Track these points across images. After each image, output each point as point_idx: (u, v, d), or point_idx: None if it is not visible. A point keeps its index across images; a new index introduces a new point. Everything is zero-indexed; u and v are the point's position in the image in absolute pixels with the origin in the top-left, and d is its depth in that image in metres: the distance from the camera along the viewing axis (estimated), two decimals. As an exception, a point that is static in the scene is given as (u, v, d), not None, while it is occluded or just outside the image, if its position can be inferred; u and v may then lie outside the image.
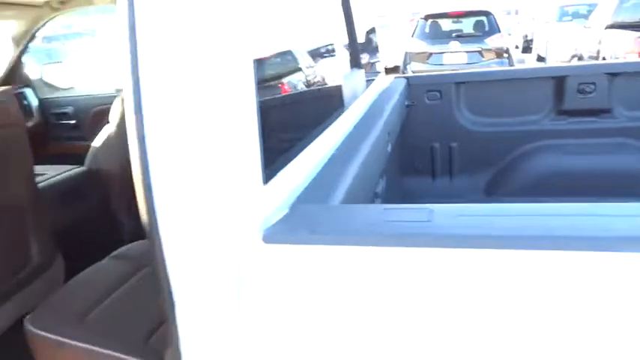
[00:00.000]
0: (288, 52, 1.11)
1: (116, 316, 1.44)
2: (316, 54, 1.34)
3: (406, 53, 7.92)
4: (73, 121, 3.13)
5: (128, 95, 0.82)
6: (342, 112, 1.41)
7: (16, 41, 2.72)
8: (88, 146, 3.01)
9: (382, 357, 0.72)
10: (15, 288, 1.69)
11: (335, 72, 1.45)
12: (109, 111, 3.05)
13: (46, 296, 1.84)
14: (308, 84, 1.22)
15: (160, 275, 0.88)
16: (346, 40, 1.68)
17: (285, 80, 1.07)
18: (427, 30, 7.97)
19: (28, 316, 1.44)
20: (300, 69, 1.17)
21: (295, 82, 1.14)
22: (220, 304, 0.80)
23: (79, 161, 2.41)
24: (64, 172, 2.17)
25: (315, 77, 1.30)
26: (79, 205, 2.11)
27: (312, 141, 1.09)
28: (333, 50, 1.47)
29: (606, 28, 7.31)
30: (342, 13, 1.67)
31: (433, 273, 0.66)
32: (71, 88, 3.20)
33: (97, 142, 2.29)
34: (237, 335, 0.80)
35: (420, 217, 0.71)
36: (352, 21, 1.73)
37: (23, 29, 2.68)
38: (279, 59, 1.04)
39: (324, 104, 1.33)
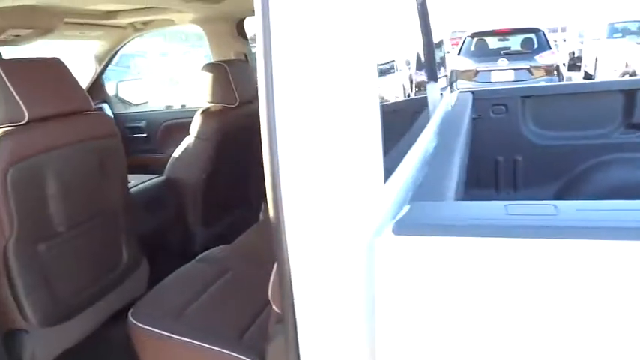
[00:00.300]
0: (394, 61, 1.19)
1: (210, 313, 1.53)
2: (409, 64, 1.42)
3: (452, 71, 7.92)
4: (145, 135, 3.32)
5: (262, 97, 0.91)
6: (429, 120, 1.47)
7: (99, 60, 2.93)
8: (158, 158, 3.18)
9: (517, 347, 0.76)
10: (109, 286, 1.81)
11: (422, 82, 1.53)
12: (178, 125, 3.23)
13: (133, 296, 1.96)
14: (406, 91, 1.30)
15: (282, 271, 0.94)
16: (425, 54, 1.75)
17: (393, 86, 1.14)
18: (473, 48, 7.97)
19: (130, 311, 1.55)
20: (402, 77, 1.25)
21: (399, 89, 1.22)
22: (349, 298, 0.86)
23: (150, 172, 2.55)
24: (146, 181, 2.31)
25: (410, 85, 1.37)
26: (158, 213, 2.25)
27: (412, 145, 1.16)
28: (420, 62, 1.54)
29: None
30: (421, 27, 1.74)
31: (565, 264, 0.71)
32: (144, 103, 3.39)
33: (177, 152, 2.43)
34: (365, 328, 0.86)
35: (545, 212, 0.76)
36: (431, 35, 1.80)
37: (106, 49, 2.88)
38: (389, 67, 1.12)
39: (418, 112, 1.40)
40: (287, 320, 0.99)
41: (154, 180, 2.35)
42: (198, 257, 1.90)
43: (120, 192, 1.86)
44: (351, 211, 0.86)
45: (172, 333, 1.42)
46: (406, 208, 0.88)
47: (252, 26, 2.66)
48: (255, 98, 2.58)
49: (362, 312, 0.87)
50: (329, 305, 0.91)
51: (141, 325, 1.47)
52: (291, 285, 0.96)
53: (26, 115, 1.47)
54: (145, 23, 2.72)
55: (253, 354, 1.33)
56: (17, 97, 1.45)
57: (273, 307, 1.15)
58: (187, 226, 2.47)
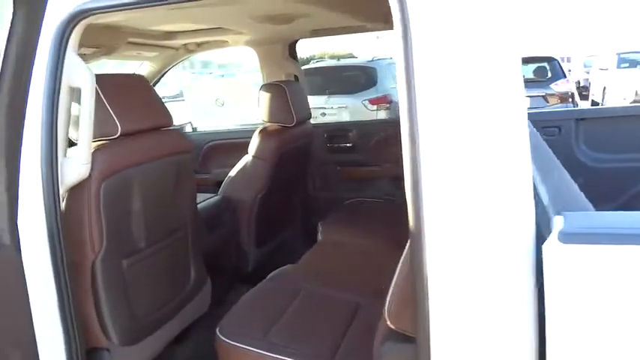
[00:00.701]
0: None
1: (296, 331, 1.52)
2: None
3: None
4: None
5: (402, 100, 0.92)
6: None
7: (149, 79, 2.96)
8: (204, 179, 3.18)
9: None
10: (180, 305, 1.79)
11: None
12: (222, 146, 3.24)
13: (198, 315, 1.94)
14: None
15: (419, 289, 0.93)
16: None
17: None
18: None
19: (218, 328, 1.53)
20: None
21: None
22: (514, 307, 0.86)
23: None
24: (204, 200, 2.31)
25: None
26: (213, 232, 2.23)
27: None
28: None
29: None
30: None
31: None
32: (186, 124, 3.41)
33: (233, 171, 2.43)
34: (531, 334, 0.85)
35: None
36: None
37: (156, 69, 2.92)
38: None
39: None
40: (421, 338, 0.97)
41: (210, 199, 2.34)
42: (269, 276, 1.89)
43: (190, 209, 1.85)
44: (507, 221, 0.87)
45: (265, 350, 1.41)
46: (559, 218, 0.88)
47: (303, 48, 2.69)
48: (307, 118, 2.63)
49: (528, 321, 0.86)
50: (486, 319, 0.89)
51: (231, 342, 1.46)
52: (427, 303, 0.94)
53: (119, 129, 1.47)
54: (198, 44, 2.75)
55: None
56: (111, 112, 1.46)
57: (388, 323, 1.14)
58: (240, 246, 2.45)
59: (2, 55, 1.12)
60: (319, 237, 2.40)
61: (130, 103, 1.56)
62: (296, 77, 2.83)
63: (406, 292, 1.09)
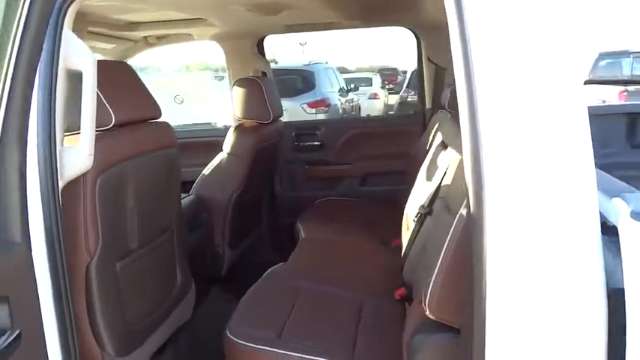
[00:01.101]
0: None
1: (308, 330, 1.47)
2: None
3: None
4: None
5: (462, 100, 0.91)
6: None
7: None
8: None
9: None
10: (167, 311, 1.67)
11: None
12: (184, 145, 3.07)
13: (183, 321, 1.82)
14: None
15: (476, 280, 0.92)
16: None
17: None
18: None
19: (227, 327, 1.44)
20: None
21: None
22: (586, 290, 0.87)
23: None
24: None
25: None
26: (190, 233, 2.11)
27: None
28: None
29: None
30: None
31: None
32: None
33: (207, 170, 2.32)
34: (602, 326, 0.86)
35: None
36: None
37: (112, 62, 2.71)
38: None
39: None
40: (475, 330, 0.95)
41: (185, 198, 2.21)
42: (264, 276, 1.82)
43: (177, 207, 1.74)
44: (573, 209, 0.87)
45: (285, 350, 1.35)
46: (618, 200, 0.91)
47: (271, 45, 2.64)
48: (280, 115, 2.58)
49: (600, 306, 0.87)
50: (553, 310, 0.89)
51: (246, 343, 1.38)
52: (485, 294, 0.93)
53: (113, 118, 1.35)
54: (159, 38, 2.60)
55: None
56: (104, 100, 1.33)
57: (427, 314, 1.13)
58: (214, 247, 2.34)
59: (19, 40, 0.98)
60: (301, 235, 2.35)
61: (122, 91, 1.43)
62: (264, 74, 2.76)
63: (450, 283, 1.10)
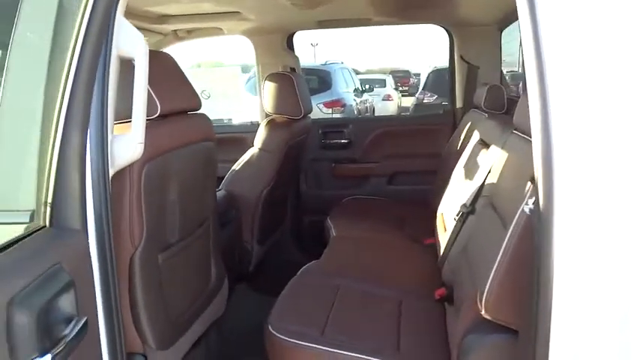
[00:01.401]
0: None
1: (350, 326, 1.44)
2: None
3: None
4: None
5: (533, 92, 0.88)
6: None
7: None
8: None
9: None
10: (204, 305, 1.65)
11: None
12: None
13: (216, 316, 1.80)
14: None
15: (543, 280, 0.88)
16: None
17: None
18: None
19: (268, 322, 1.42)
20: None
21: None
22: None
23: None
24: None
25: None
26: (225, 226, 2.09)
27: None
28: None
29: None
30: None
31: None
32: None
33: (238, 165, 2.30)
34: None
35: None
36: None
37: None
38: None
39: None
40: (536, 333, 0.92)
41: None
42: (300, 272, 1.80)
43: (214, 201, 1.72)
44: None
45: (330, 347, 1.32)
46: None
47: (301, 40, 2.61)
48: (310, 111, 2.56)
49: None
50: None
51: (289, 339, 1.35)
52: (551, 295, 0.89)
53: (159, 108, 1.33)
54: (189, 31, 2.59)
55: None
56: (150, 89, 1.31)
57: (483, 313, 1.10)
58: (242, 244, 2.32)
59: (84, 29, 0.96)
60: (332, 232, 2.32)
61: (166, 81, 1.41)
62: (293, 70, 2.74)
63: (509, 283, 1.06)
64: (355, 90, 9.30)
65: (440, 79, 8.46)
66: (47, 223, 0.94)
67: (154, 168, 1.31)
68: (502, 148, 1.61)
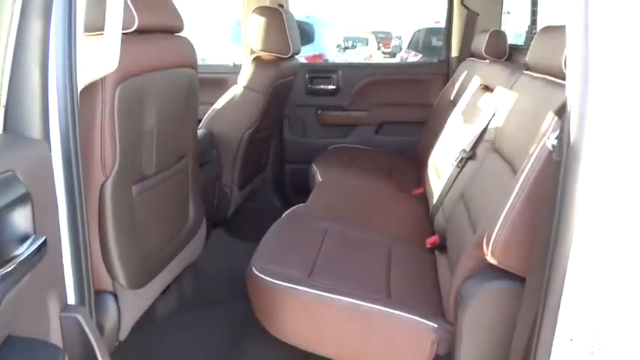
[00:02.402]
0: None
1: (339, 271, 1.35)
2: None
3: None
4: None
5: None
6: None
7: None
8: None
9: None
10: (181, 244, 1.53)
11: None
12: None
13: (192, 259, 1.69)
14: None
15: (561, 227, 0.80)
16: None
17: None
18: None
19: (251, 264, 1.32)
20: None
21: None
22: None
23: None
24: None
25: None
26: (203, 167, 1.95)
27: None
28: None
29: None
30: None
31: None
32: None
33: (219, 103, 2.14)
34: None
35: None
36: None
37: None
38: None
39: None
40: (548, 282, 0.84)
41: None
42: (285, 215, 1.69)
43: (193, 136, 1.57)
44: None
45: (318, 290, 1.23)
46: None
47: None
48: (298, 52, 2.39)
49: None
50: None
51: (275, 281, 1.25)
52: (570, 243, 0.81)
53: (136, 21, 1.17)
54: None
55: (409, 311, 1.19)
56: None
57: (489, 258, 1.03)
58: (222, 187, 2.19)
59: None
60: (317, 178, 2.20)
61: None
62: (281, 6, 2.54)
63: (521, 227, 0.98)
64: (338, 46, 9.04)
65: (426, 39, 8.29)
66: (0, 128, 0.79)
67: (129, 89, 1.16)
68: (510, 89, 1.51)
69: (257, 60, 2.14)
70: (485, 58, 2.13)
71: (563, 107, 0.83)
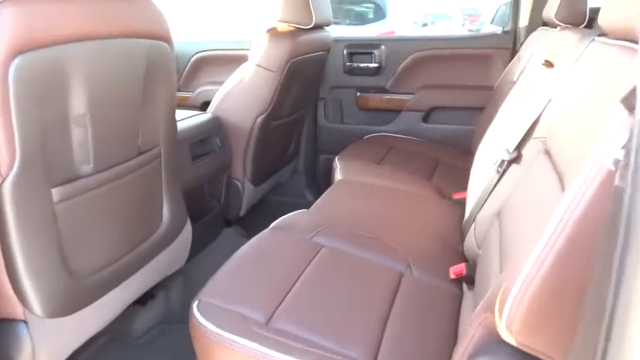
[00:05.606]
0: None
1: (315, 314, 1.00)
2: None
3: None
4: None
5: None
6: None
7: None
8: (181, 97, 2.59)
9: None
10: (144, 258, 1.27)
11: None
12: (211, 58, 2.63)
13: (170, 270, 1.44)
14: None
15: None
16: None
17: None
18: None
19: (195, 302, 1.02)
20: None
21: None
22: None
23: None
24: (189, 117, 1.72)
25: None
26: (199, 160, 1.68)
27: None
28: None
29: None
30: None
31: None
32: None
33: (228, 85, 1.85)
34: None
35: None
36: None
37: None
38: None
39: None
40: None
41: (196, 116, 1.76)
42: (273, 225, 1.37)
43: (166, 124, 1.29)
44: None
45: (265, 346, 0.90)
46: None
47: None
48: (327, 23, 2.05)
49: None
50: None
51: (212, 328, 0.94)
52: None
53: None
54: None
55: None
56: None
57: (504, 334, 0.63)
58: (232, 181, 1.91)
59: None
60: (337, 175, 1.86)
61: None
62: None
63: (551, 293, 0.58)
64: (415, 23, 8.47)
65: (512, 13, 7.48)
66: None
67: (34, 63, 0.88)
68: (575, 64, 1.06)
69: (271, 32, 1.82)
70: (557, 26, 1.64)
71: (633, 94, 0.45)
